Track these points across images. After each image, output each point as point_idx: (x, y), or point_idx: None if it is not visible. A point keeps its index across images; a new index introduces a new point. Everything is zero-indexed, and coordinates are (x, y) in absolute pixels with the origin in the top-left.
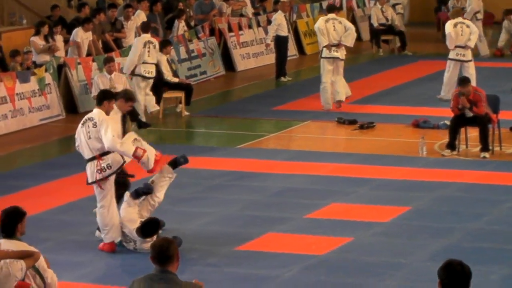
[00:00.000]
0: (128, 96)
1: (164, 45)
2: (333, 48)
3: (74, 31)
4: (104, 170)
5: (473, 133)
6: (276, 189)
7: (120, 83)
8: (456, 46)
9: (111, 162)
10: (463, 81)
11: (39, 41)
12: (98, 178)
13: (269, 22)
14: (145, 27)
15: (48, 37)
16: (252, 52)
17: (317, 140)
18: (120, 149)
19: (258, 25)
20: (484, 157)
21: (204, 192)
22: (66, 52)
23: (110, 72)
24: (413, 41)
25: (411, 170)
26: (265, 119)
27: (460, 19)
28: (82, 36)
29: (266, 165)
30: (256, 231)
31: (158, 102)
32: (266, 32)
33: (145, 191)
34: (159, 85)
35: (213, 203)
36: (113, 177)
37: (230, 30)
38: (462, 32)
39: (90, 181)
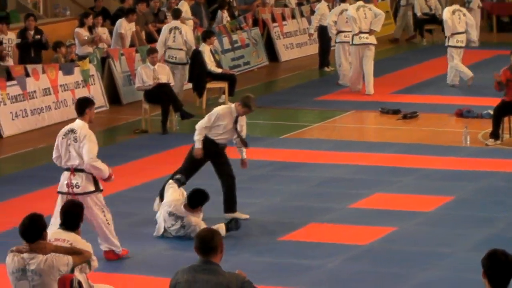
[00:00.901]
0: (244, 102)
1: (207, 35)
2: (364, 35)
3: (117, 22)
4: (72, 186)
5: None
6: (320, 179)
7: (163, 74)
8: (455, 33)
9: (80, 182)
10: None
11: (83, 32)
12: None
13: (312, 12)
14: (174, 13)
15: (92, 28)
16: (296, 42)
17: (361, 130)
18: (99, 166)
19: (302, 15)
20: None
21: (248, 182)
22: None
23: (153, 63)
24: None
25: (454, 159)
26: (309, 109)
27: (457, 6)
28: (126, 27)
29: (309, 155)
30: (299, 221)
31: (201, 92)
32: (310, 22)
33: (236, 228)
34: (203, 76)
35: (257, 193)
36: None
37: (273, 20)
38: (459, 20)
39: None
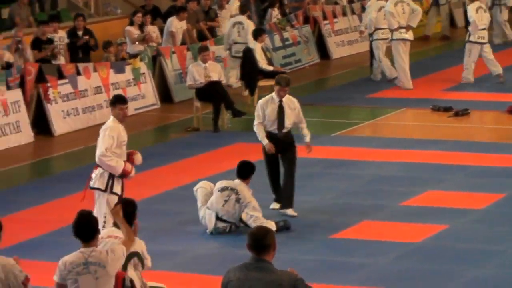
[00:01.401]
0: (277, 81)
1: (258, 33)
2: (403, 30)
3: (168, 20)
4: (91, 179)
5: None
6: (371, 176)
7: (215, 72)
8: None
9: (94, 176)
10: None
11: (134, 30)
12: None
13: (363, 9)
14: (241, 8)
15: (142, 26)
16: (347, 40)
17: (412, 127)
18: (107, 163)
19: (352, 12)
20: None
21: (300, 180)
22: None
23: (204, 61)
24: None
25: (506, 156)
26: (360, 107)
27: (478, 3)
28: (177, 25)
29: (360, 153)
30: (351, 219)
31: (253, 90)
32: (361, 20)
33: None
34: (254, 73)
35: (309, 191)
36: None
37: (324, 18)
38: (482, 16)
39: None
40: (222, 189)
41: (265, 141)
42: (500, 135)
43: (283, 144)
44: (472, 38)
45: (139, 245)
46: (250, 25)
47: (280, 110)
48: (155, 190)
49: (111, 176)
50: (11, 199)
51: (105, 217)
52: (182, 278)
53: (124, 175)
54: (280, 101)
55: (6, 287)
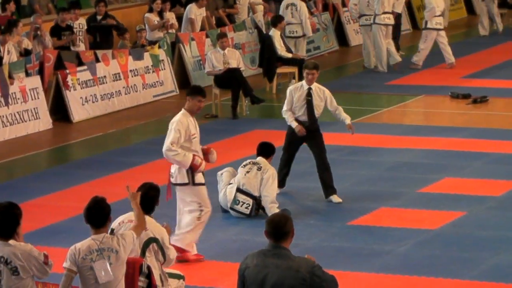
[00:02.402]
0: (305, 64)
1: (277, 20)
2: (388, 15)
3: (187, 7)
4: (171, 176)
5: None
6: (390, 163)
7: (233, 58)
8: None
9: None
10: None
11: (153, 17)
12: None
13: None
14: None
15: (162, 13)
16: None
17: (431, 114)
18: (173, 157)
19: None
20: None
21: None
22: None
23: (223, 48)
24: None
25: None
26: (379, 94)
27: None
28: (196, 12)
29: (379, 140)
30: (369, 205)
31: (271, 77)
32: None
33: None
34: (273, 60)
35: None
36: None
37: (343, 5)
38: (438, 2)
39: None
40: (245, 165)
41: (295, 124)
42: None
43: (309, 132)
44: (429, 25)
45: (159, 232)
46: (303, 6)
47: (309, 98)
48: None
49: (190, 168)
50: (30, 185)
51: (200, 204)
52: (200, 265)
53: (193, 169)
54: (309, 88)
55: (28, 273)
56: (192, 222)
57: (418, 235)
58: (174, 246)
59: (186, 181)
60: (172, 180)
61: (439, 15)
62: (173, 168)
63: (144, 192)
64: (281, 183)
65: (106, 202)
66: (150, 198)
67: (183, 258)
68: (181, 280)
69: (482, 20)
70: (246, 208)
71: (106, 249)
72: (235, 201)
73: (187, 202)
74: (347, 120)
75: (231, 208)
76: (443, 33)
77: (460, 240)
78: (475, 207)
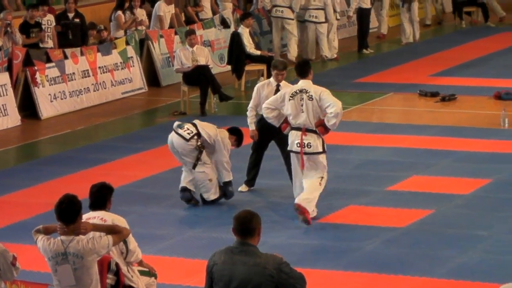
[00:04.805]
0: (271, 66)
1: (245, 17)
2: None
3: (156, 5)
4: (304, 146)
5: None
6: (358, 161)
7: (202, 55)
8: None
9: (312, 141)
10: None
11: (123, 15)
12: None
13: None
14: None
15: (130, 10)
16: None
17: (399, 112)
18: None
19: None
20: None
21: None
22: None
23: (192, 45)
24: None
25: (492, 142)
26: (347, 92)
27: None
28: (165, 9)
29: (348, 138)
30: (338, 203)
31: (240, 74)
32: (349, 4)
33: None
34: (241, 58)
35: None
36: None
37: None
38: None
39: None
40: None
41: (251, 127)
42: (487, 121)
43: (275, 129)
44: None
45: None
46: None
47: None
48: (143, 173)
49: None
50: None
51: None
52: (168, 262)
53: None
54: (278, 85)
55: None
56: (318, 187)
57: (386, 233)
58: (300, 206)
59: (321, 149)
60: (309, 149)
61: (315, 8)
62: (311, 138)
63: (96, 190)
64: (250, 183)
65: (78, 198)
66: (102, 196)
67: (307, 219)
68: (153, 278)
69: (404, 27)
70: (188, 134)
71: (72, 254)
72: (181, 125)
73: (319, 169)
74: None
75: (175, 132)
76: (321, 26)
77: (428, 238)
78: (443, 205)
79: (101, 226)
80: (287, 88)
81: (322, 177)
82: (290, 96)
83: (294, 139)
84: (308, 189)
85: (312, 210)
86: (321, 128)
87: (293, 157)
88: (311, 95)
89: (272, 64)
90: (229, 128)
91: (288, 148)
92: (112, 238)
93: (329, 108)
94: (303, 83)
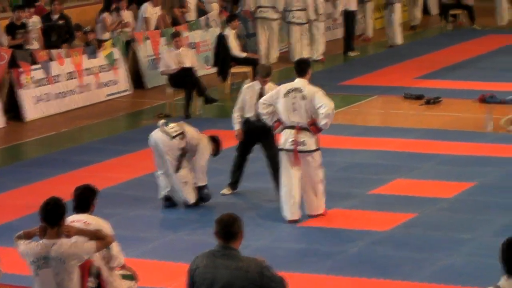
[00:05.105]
0: (257, 70)
1: (231, 19)
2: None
3: (142, 6)
4: (298, 144)
5: None
6: (342, 164)
7: (187, 57)
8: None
9: (306, 139)
10: None
11: (109, 17)
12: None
13: None
14: None
15: (118, 12)
16: None
17: (384, 115)
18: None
19: None
20: None
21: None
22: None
23: (177, 47)
24: (482, 15)
25: (477, 145)
26: (333, 94)
27: None
28: (151, 11)
29: (332, 140)
30: None
31: (225, 77)
32: (334, 7)
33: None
34: (227, 60)
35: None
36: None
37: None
38: None
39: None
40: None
41: (236, 127)
42: (471, 124)
43: (260, 132)
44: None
45: (99, 227)
46: None
47: (260, 97)
48: (128, 175)
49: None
50: None
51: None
52: (151, 265)
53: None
54: (261, 88)
55: None
56: (320, 189)
57: (369, 237)
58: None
59: (315, 147)
60: (303, 148)
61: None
62: (305, 136)
63: (80, 192)
64: (234, 186)
65: (63, 201)
66: (86, 198)
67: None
68: (134, 282)
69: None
70: (174, 131)
71: (54, 258)
72: (166, 123)
73: (319, 168)
74: None
75: (160, 129)
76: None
77: (411, 241)
78: (426, 208)
79: (85, 231)
80: (282, 85)
81: (321, 179)
82: (285, 94)
83: (287, 137)
84: (313, 197)
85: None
86: (314, 127)
87: (283, 156)
88: (305, 95)
89: (256, 69)
90: (209, 136)
91: (280, 147)
92: (96, 244)
93: (321, 109)
94: (299, 82)
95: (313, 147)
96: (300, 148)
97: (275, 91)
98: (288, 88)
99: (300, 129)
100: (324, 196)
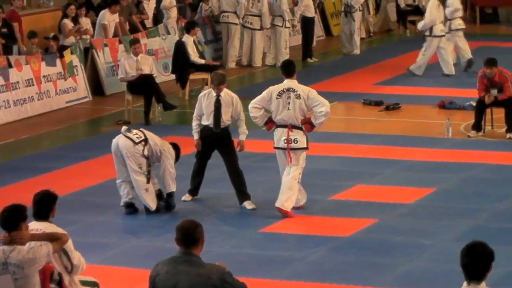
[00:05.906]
0: (212, 78)
1: (191, 26)
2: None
3: (101, 13)
4: (290, 142)
5: (499, 114)
6: (303, 170)
7: (146, 64)
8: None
9: (299, 137)
10: (490, 62)
11: (69, 23)
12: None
13: (295, 3)
14: None
15: (75, 19)
16: None
17: (343, 121)
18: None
19: None
20: (510, 138)
21: None
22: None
23: (136, 54)
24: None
25: (436, 151)
26: None
27: None
28: (109, 18)
29: None
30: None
31: (184, 83)
32: (293, 13)
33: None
34: (186, 67)
35: None
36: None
37: None
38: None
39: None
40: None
41: (195, 136)
42: (431, 130)
43: (219, 139)
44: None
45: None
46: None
47: (217, 105)
48: (88, 182)
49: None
50: None
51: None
52: (111, 272)
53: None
54: (218, 95)
55: None
56: (294, 184)
57: (330, 242)
58: (281, 210)
59: (306, 146)
60: (296, 145)
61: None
62: (297, 134)
63: (40, 198)
64: (194, 192)
65: (23, 207)
66: (45, 204)
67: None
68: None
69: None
70: (137, 138)
71: (13, 264)
72: (129, 129)
73: (299, 166)
74: (243, 136)
75: (123, 134)
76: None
77: (372, 247)
78: (387, 214)
79: (38, 235)
80: (271, 87)
81: (300, 173)
82: (277, 95)
83: (280, 136)
84: (284, 189)
85: (291, 207)
86: (308, 125)
87: (280, 154)
88: (299, 94)
89: (211, 77)
90: (170, 142)
91: (275, 146)
92: (52, 246)
93: (318, 107)
94: (289, 83)
95: (305, 145)
96: (292, 145)
97: (266, 94)
98: (280, 89)
99: (292, 127)
100: (295, 197)
